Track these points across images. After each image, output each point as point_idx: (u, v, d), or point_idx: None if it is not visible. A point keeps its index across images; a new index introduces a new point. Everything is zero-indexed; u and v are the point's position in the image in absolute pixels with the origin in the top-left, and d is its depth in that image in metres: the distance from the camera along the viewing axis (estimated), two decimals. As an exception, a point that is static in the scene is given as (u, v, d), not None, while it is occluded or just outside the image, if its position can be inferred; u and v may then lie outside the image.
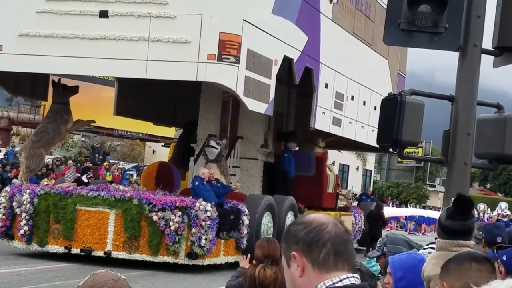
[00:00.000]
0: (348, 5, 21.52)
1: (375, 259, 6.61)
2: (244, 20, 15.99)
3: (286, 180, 20.54)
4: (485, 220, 36.98)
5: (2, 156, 33.10)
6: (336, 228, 2.41)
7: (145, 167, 26.75)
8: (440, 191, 64.45)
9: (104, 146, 47.11)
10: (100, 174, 31.79)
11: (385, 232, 21.30)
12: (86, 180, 20.28)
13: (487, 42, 7.22)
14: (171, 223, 15.45)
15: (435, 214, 39.46)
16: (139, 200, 15.75)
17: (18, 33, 16.45)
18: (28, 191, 16.39)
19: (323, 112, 20.02)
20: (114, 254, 15.74)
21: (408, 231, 45.85)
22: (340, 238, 2.40)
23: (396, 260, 4.79)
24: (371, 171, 68.12)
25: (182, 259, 15.64)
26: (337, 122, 21.17)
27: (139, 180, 24.98)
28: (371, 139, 22.16)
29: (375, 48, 23.52)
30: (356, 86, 22.46)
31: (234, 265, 16.06)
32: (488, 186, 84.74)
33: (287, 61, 17.79)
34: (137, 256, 15.72)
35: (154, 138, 43.46)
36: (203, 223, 15.40)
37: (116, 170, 33.46)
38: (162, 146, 40.87)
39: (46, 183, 20.75)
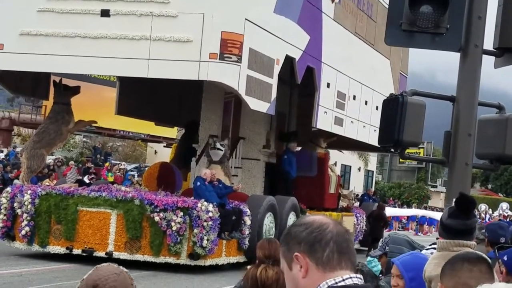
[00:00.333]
0: (350, 4, 21.49)
1: (376, 258, 6.61)
2: (246, 19, 15.96)
3: (287, 181, 20.52)
4: (487, 220, 36.98)
5: (3, 157, 33.12)
6: (338, 228, 2.41)
7: (146, 168, 26.74)
8: (441, 192, 64.51)
9: (106, 147, 47.06)
10: (102, 174, 31.81)
11: (387, 232, 21.28)
12: (87, 181, 20.26)
13: (488, 42, 7.22)
14: (172, 223, 15.43)
15: (437, 215, 39.48)
16: (141, 201, 15.73)
17: (19, 32, 16.43)
18: (29, 191, 16.36)
19: (325, 112, 19.98)
20: (116, 254, 15.70)
21: (413, 230, 45.87)
22: (342, 236, 2.40)
23: (403, 261, 4.73)
24: (373, 171, 68.12)
25: (184, 260, 15.61)
26: (339, 121, 21.13)
27: (140, 181, 24.96)
28: (373, 139, 22.11)
29: (377, 48, 23.48)
30: (358, 86, 22.43)
31: (236, 265, 16.09)
32: (489, 186, 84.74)
33: (289, 60, 17.76)
34: (138, 257, 15.70)
35: (156, 139, 43.43)
36: (205, 223, 15.38)
37: (118, 171, 33.51)
38: (164, 146, 40.89)
39: (47, 183, 20.75)
